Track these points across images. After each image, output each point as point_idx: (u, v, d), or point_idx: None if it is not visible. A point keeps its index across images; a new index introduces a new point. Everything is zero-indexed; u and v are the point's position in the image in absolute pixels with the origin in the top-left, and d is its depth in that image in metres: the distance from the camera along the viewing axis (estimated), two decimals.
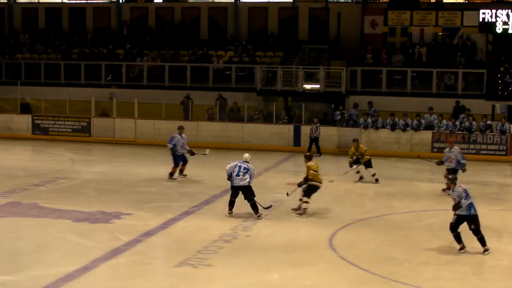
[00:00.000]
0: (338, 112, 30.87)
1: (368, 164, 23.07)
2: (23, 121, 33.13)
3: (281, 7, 37.80)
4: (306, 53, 35.26)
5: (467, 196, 14.42)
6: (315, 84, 32.79)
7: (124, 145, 31.07)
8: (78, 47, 38.07)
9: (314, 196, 18.21)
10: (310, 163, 18.15)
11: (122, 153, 29.17)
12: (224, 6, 38.49)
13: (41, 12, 41.13)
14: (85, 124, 32.49)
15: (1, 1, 42.02)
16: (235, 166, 17.40)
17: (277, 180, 23.19)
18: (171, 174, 22.86)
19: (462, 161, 21.16)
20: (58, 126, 32.81)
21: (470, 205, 14.46)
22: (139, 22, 39.36)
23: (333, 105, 31.47)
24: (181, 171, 23.13)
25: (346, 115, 30.78)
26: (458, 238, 14.58)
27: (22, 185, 21.17)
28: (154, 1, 39.34)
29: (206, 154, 23.23)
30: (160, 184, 22.04)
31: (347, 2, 37.59)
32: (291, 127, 30.60)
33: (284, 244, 15.06)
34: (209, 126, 31.46)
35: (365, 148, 23.27)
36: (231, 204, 17.60)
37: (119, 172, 24.37)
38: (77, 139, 32.08)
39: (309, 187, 18.03)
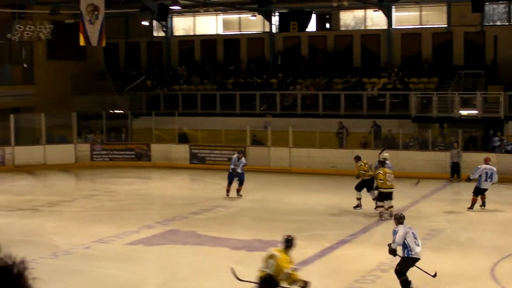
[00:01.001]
0: (496, 138, 29.88)
1: None
2: (181, 151, 33.99)
3: (435, 32, 37.12)
4: (462, 78, 34.41)
5: None
6: (472, 110, 31.92)
7: (278, 174, 31.28)
8: (233, 77, 38.86)
9: (470, 225, 17.63)
10: (378, 172, 19.98)
11: (277, 182, 29.35)
12: (376, 33, 38.24)
13: (197, 45, 42.29)
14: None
15: (159, 35, 43.53)
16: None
17: (434, 208, 22.66)
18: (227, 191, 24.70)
19: None
20: (214, 155, 33.47)
21: None
22: (292, 51, 39.73)
23: (491, 131, 30.48)
24: (237, 191, 24.66)
25: (505, 141, 29.73)
26: None
27: (181, 213, 21.67)
28: (307, 30, 39.60)
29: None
30: (315, 213, 22.00)
31: (504, 25, 36.46)
32: (447, 154, 29.84)
33: (442, 275, 14.63)
34: (363, 154, 31.12)
35: None
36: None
37: (275, 200, 24.51)
38: None
39: (380, 194, 19.91)
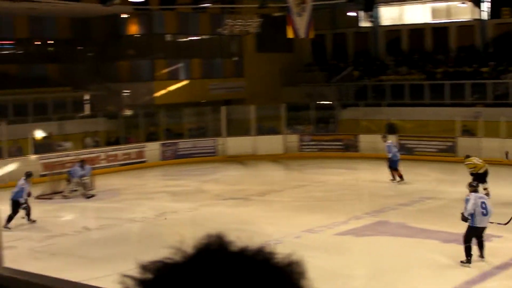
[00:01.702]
0: None
1: None
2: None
3: None
4: None
5: None
6: None
7: (490, 165, 30.19)
8: (442, 66, 38.02)
9: None
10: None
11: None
12: None
13: (404, 34, 41.74)
14: (450, 144, 32.20)
15: (366, 26, 43.38)
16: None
17: None
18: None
19: None
20: (422, 146, 32.91)
21: None
22: (504, 39, 38.24)
23: None
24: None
25: None
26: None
27: (390, 205, 21.51)
28: None
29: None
30: None
31: None
32: None
33: None
34: None
35: None
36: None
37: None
38: (442, 159, 31.85)
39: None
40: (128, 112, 34.75)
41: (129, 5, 34.29)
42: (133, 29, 37.71)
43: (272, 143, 34.24)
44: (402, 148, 33.06)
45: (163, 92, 36.32)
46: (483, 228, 14.64)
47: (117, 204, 23.73)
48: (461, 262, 14.59)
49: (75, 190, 25.20)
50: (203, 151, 34.09)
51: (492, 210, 14.88)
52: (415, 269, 14.52)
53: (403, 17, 42.29)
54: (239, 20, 36.23)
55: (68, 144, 30.87)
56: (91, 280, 14.25)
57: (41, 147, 30.02)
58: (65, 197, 24.80)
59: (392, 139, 31.54)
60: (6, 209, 19.73)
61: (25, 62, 35.98)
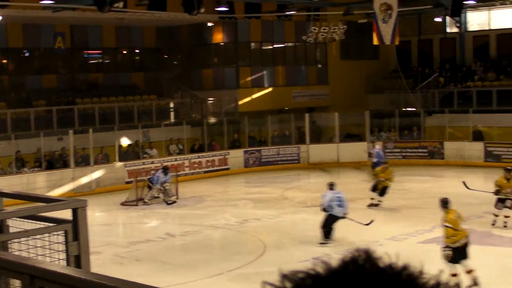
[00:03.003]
0: None
1: None
2: (476, 149, 33.07)
3: None
4: None
5: None
6: None
7: None
8: None
9: None
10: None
11: None
12: None
13: (492, 39, 40.92)
14: None
15: (453, 31, 42.71)
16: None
17: None
18: None
19: None
20: (511, 153, 32.17)
21: None
22: None
23: None
24: None
25: None
26: None
27: (476, 213, 21.06)
28: None
29: None
30: None
31: None
32: None
33: None
34: None
35: None
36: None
37: None
38: None
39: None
40: (212, 120, 35.06)
41: (215, 13, 34.60)
42: (218, 37, 38.05)
43: (355, 150, 33.98)
44: (489, 155, 32.44)
45: (247, 99, 36.52)
46: (339, 218, 18.30)
47: (200, 211, 23.93)
48: (320, 243, 17.81)
49: (157, 197, 25.52)
50: (286, 158, 34.12)
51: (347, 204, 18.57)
52: (504, 279, 14.18)
53: (491, 21, 41.47)
54: (324, 28, 36.13)
55: (153, 152, 31.31)
56: (175, 286, 14.40)
57: (127, 154, 30.56)
58: (145, 203, 25.15)
59: (478, 146, 30.96)
60: (93, 215, 20.09)
61: (112, 71, 36.76)
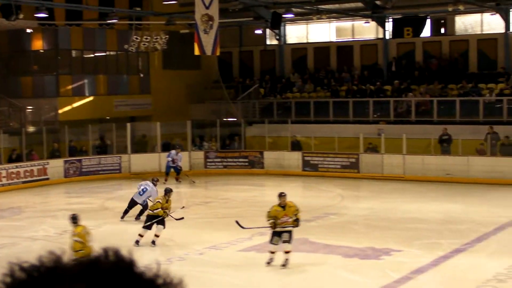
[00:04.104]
0: None
1: None
2: (294, 158, 34.05)
3: None
4: None
5: None
6: None
7: (392, 181, 30.88)
8: (346, 84, 38.69)
9: None
10: None
11: (390, 189, 29.00)
12: (493, 38, 37.30)
13: (310, 52, 42.32)
14: (353, 160, 32.76)
15: (272, 43, 43.83)
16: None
17: None
18: None
19: None
20: (327, 162, 33.38)
21: None
22: (406, 58, 39.21)
23: None
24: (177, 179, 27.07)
25: None
26: None
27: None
28: (421, 36, 39.03)
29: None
30: (430, 221, 21.61)
31: None
32: None
33: None
34: (479, 161, 30.45)
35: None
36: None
37: (388, 208, 24.24)
38: (346, 175, 32.38)
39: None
40: (31, 129, 34.06)
41: (34, 20, 33.71)
42: (38, 44, 37.01)
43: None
44: (307, 165, 33.50)
45: (67, 108, 35.75)
46: (137, 203, 22.05)
47: (19, 222, 23.20)
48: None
49: None
50: (107, 168, 33.73)
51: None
52: (320, 284, 14.66)
53: (309, 35, 42.90)
54: (146, 37, 36.02)
55: None
56: None
57: None
58: None
59: (297, 156, 32.00)
60: None
61: None
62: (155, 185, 22.52)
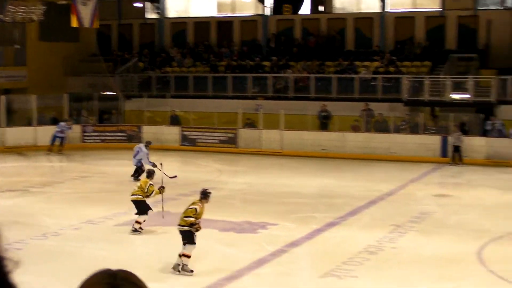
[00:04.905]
0: (489, 122, 29.81)
1: None
2: (173, 133, 33.98)
3: (429, 16, 37.10)
4: (454, 62, 34.40)
5: None
6: (464, 94, 31.95)
7: (270, 156, 31.29)
8: (225, 59, 38.80)
9: (459, 208, 17.71)
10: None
11: (268, 164, 29.39)
12: (370, 17, 38.20)
13: (190, 27, 42.20)
14: (232, 135, 32.98)
15: (152, 17, 43.43)
16: None
17: (424, 192, 22.73)
18: None
19: None
20: (205, 137, 33.47)
21: None
22: (285, 34, 39.66)
23: (483, 115, 30.48)
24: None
25: (497, 124, 29.70)
26: None
27: (170, 195, 21.62)
28: (300, 13, 39.55)
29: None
30: (306, 195, 22.04)
31: (497, 9, 36.41)
32: (438, 138, 29.92)
33: (430, 258, 14.70)
34: (354, 137, 31.24)
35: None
36: None
37: (265, 183, 24.55)
38: (224, 150, 32.57)
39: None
40: None
41: None
42: None
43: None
44: (185, 139, 33.50)
45: None
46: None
47: None
48: None
49: None
50: None
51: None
52: (198, 257, 14.73)
53: (189, 10, 42.73)
54: (22, 7, 34.97)
55: None
56: None
57: None
58: None
59: (175, 131, 32.00)
60: None
61: None
62: (147, 148, 25.23)
